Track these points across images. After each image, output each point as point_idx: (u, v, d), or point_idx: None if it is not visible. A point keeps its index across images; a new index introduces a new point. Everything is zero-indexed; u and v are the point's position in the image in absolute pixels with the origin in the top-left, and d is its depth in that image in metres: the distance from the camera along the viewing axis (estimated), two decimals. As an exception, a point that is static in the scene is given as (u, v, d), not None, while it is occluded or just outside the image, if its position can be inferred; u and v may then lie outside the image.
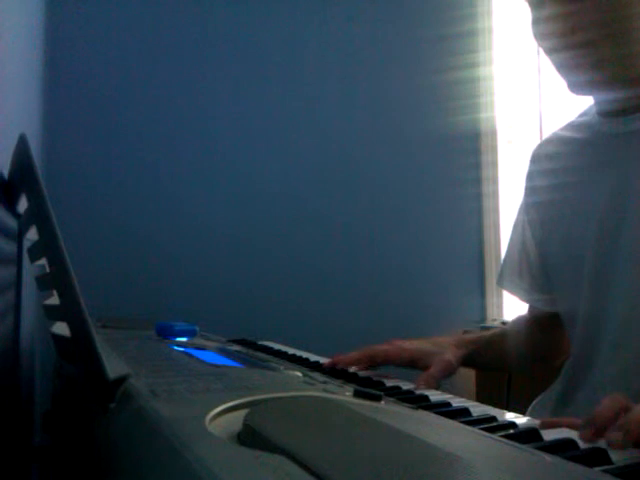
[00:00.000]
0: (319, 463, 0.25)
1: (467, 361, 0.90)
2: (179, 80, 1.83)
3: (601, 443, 0.45)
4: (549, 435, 0.47)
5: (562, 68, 0.79)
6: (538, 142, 0.98)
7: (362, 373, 0.80)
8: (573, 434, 0.48)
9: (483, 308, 2.13)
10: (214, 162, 1.85)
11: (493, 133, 2.18)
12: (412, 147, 2.07)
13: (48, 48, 1.64)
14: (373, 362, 0.83)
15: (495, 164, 2.17)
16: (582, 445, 0.45)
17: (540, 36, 0.80)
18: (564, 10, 0.75)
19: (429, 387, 0.73)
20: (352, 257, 1.96)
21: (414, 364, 0.84)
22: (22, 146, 0.50)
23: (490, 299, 2.13)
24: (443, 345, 0.88)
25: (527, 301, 1.00)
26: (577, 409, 0.83)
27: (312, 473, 0.25)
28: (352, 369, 0.82)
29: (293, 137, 1.94)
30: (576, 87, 0.80)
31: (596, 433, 0.45)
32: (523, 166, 0.99)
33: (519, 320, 1.03)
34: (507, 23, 2.20)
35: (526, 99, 2.16)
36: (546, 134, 0.98)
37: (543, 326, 0.98)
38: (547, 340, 0.99)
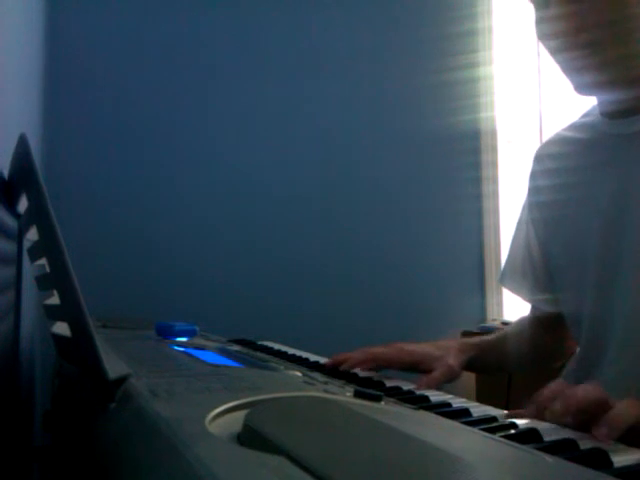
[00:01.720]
0: (319, 464, 0.25)
1: (470, 365, 0.89)
2: (180, 80, 1.83)
3: (601, 444, 0.45)
4: (548, 435, 0.47)
5: (567, 69, 0.79)
6: (541, 142, 0.98)
7: (362, 373, 0.80)
8: (571, 434, 0.48)
9: (483, 308, 2.13)
10: (214, 162, 1.85)
11: (493, 133, 2.18)
12: (412, 147, 2.07)
13: (48, 48, 1.64)
14: (374, 365, 0.83)
15: (495, 164, 2.17)
16: (582, 445, 0.45)
17: (544, 36, 0.79)
18: (568, 10, 0.74)
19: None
20: (352, 257, 1.96)
21: (416, 367, 0.83)
22: (22, 146, 0.50)
23: (490, 299, 2.13)
24: (446, 349, 0.86)
25: (530, 301, 0.99)
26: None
27: (312, 474, 0.25)
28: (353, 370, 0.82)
29: (293, 137, 1.94)
30: (581, 88, 0.79)
31: (538, 411, 0.50)
32: (523, 166, 0.98)
33: (522, 321, 1.03)
34: (507, 23, 2.20)
35: (526, 99, 2.16)
36: (546, 134, 0.98)
37: (546, 327, 0.97)
38: (550, 341, 0.98)
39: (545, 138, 0.98)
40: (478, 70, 2.16)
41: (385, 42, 2.06)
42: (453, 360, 0.83)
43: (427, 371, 0.81)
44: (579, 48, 0.75)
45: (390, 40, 2.06)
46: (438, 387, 0.76)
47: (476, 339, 0.96)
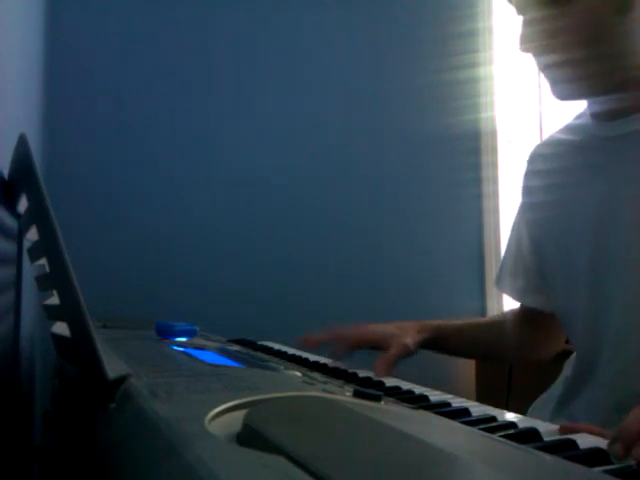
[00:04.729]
0: (319, 463, 0.25)
1: (430, 345, 0.96)
2: (180, 79, 1.83)
3: (603, 444, 0.45)
4: (548, 435, 0.47)
5: (545, 70, 0.81)
6: (536, 144, 0.99)
7: (362, 373, 0.80)
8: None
9: (483, 308, 2.13)
10: (214, 162, 1.85)
11: (493, 133, 2.18)
12: (412, 147, 2.07)
13: (48, 47, 1.64)
14: (340, 342, 0.90)
15: (495, 164, 2.17)
16: (582, 445, 0.45)
17: (522, 39, 0.81)
18: (545, 14, 0.76)
19: (387, 367, 0.80)
20: (352, 257, 1.96)
21: (377, 346, 0.89)
22: (22, 146, 0.50)
23: (490, 299, 2.13)
24: (405, 329, 0.93)
25: (521, 301, 1.00)
26: (578, 409, 0.83)
27: (311, 473, 0.25)
28: (348, 368, 0.84)
29: (293, 137, 1.94)
30: (560, 93, 0.81)
31: (626, 449, 0.42)
32: (523, 166, 0.99)
33: (506, 314, 1.06)
34: (507, 23, 2.20)
35: (526, 99, 2.16)
36: (546, 134, 0.99)
37: (531, 321, 0.99)
38: (534, 336, 1.01)
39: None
40: (478, 70, 2.16)
41: (385, 42, 2.06)
42: (410, 339, 0.90)
43: (385, 349, 0.87)
44: (556, 51, 0.77)
45: (390, 40, 2.06)
46: (394, 364, 0.83)
47: (437, 321, 1.02)
